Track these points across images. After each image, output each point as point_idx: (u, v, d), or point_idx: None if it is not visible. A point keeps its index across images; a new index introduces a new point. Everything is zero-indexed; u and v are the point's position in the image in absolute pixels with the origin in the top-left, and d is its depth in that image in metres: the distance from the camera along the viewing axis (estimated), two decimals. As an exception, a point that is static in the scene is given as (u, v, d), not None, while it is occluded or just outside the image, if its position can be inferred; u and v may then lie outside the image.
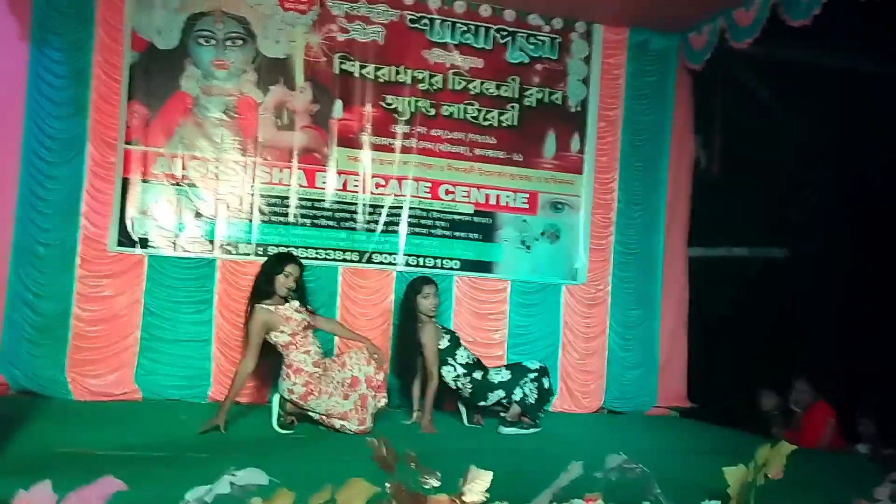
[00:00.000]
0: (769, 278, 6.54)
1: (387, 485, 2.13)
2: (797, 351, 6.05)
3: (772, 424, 5.58)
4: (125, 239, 5.24)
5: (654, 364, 6.25)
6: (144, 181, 5.31)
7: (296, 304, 4.68)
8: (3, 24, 5.06)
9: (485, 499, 2.19)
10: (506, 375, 5.10)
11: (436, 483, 2.20)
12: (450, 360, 5.07)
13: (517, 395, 5.02)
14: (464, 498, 2.17)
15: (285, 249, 5.42)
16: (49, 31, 5.12)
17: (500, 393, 5.05)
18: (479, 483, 2.18)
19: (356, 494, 2.06)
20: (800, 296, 6.33)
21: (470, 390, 5.08)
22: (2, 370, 5.01)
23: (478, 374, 5.09)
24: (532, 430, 4.97)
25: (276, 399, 4.55)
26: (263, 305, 4.58)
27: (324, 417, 4.53)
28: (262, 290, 4.67)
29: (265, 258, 5.06)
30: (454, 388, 5.11)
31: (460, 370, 5.06)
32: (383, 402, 4.68)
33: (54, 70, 5.14)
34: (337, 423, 4.50)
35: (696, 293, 6.41)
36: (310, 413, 4.56)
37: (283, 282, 4.66)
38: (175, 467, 3.34)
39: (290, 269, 4.70)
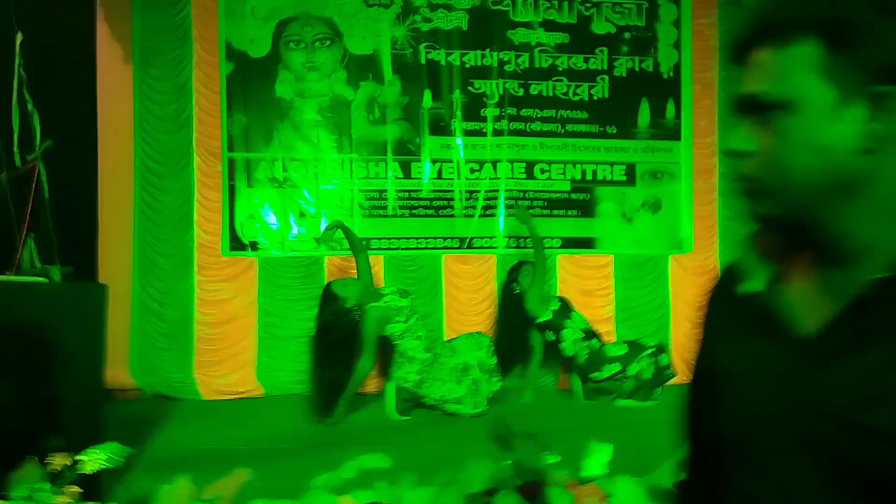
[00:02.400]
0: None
1: (507, 464, 2.16)
2: None
3: None
4: (236, 243, 5.47)
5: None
6: (249, 186, 5.51)
7: (394, 288, 4.77)
8: (108, 49, 5.35)
9: (605, 472, 2.19)
10: (622, 349, 5.05)
11: (555, 460, 2.22)
12: (566, 324, 5.07)
13: (632, 369, 4.97)
14: (584, 473, 2.18)
15: (386, 241, 5.55)
16: (150, 52, 5.38)
17: (616, 367, 5.00)
18: (598, 457, 2.19)
19: (478, 474, 2.10)
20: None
21: (586, 356, 5.04)
22: (135, 377, 5.32)
23: (595, 343, 5.07)
24: (648, 403, 4.92)
25: (391, 387, 4.66)
26: (373, 304, 4.67)
27: (438, 403, 4.61)
28: None
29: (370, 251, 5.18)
30: (571, 353, 5.08)
31: (578, 333, 5.06)
32: (497, 385, 4.72)
33: (157, 88, 5.40)
34: (451, 408, 4.57)
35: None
36: (424, 400, 4.64)
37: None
38: (300, 458, 3.48)
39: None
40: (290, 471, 3.07)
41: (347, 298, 4.57)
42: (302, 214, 5.57)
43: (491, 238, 5.78)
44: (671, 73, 5.97)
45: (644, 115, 5.94)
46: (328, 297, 4.59)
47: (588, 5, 5.86)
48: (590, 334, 5.11)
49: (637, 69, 5.94)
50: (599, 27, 5.88)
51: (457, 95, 5.75)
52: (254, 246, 5.49)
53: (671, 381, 5.07)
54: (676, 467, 2.27)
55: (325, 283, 4.84)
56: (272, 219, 5.53)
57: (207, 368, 5.37)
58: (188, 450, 3.72)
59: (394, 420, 4.54)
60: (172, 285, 5.38)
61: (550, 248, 5.81)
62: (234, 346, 5.43)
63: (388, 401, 4.62)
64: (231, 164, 5.49)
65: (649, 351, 4.98)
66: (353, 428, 4.37)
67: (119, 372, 5.24)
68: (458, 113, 5.75)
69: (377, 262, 5.62)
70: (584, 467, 2.20)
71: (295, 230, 5.55)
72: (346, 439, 3.98)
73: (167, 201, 5.40)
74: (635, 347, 5.03)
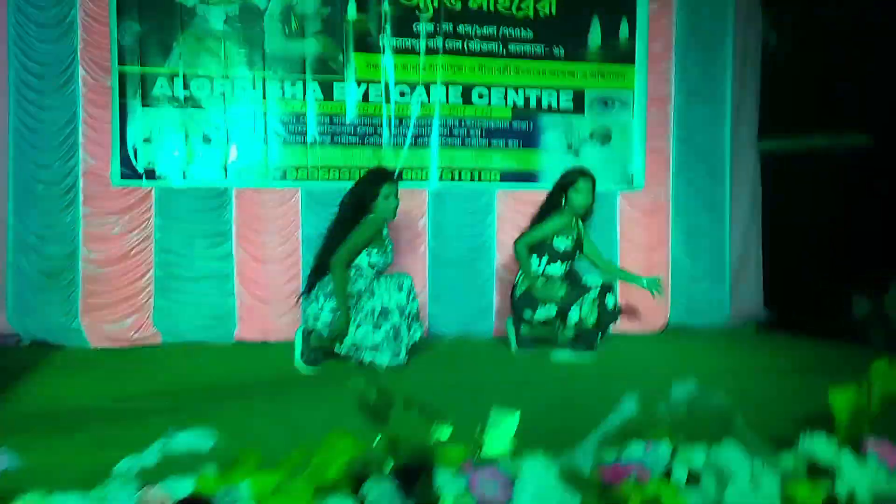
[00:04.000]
0: (854, 168, 5.74)
1: (379, 440, 1.61)
2: (891, 248, 5.31)
3: (868, 334, 4.91)
4: (129, 171, 4.79)
5: (725, 273, 5.61)
6: (145, 105, 4.81)
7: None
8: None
9: (510, 448, 1.66)
10: (560, 290, 4.52)
11: (445, 433, 1.67)
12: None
13: (573, 316, 4.44)
14: (484, 451, 1.64)
15: (304, 171, 4.94)
16: (25, -57, 4.61)
17: (551, 310, 4.48)
18: (501, 430, 1.65)
19: (336, 455, 1.54)
20: (891, 186, 5.54)
21: (523, 291, 4.53)
22: (12, 322, 4.66)
23: (538, 280, 4.55)
24: (587, 357, 4.41)
25: (299, 333, 4.09)
26: (374, 216, 4.13)
27: (352, 350, 4.05)
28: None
29: (288, 182, 4.61)
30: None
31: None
32: (419, 333, 4.18)
33: (35, -12, 4.63)
34: (367, 357, 4.02)
35: (770, 191, 5.70)
36: (337, 348, 4.08)
37: (388, 206, 4.17)
38: (173, 417, 2.91)
39: (388, 188, 4.17)
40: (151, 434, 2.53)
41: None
42: (206, 139, 4.90)
43: (422, 170, 5.18)
44: (626, -11, 5.37)
45: (595, 36, 5.35)
46: None
47: None
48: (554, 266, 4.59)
49: (588, -17, 5.32)
50: (547, -67, 5.24)
51: (385, 7, 5.07)
52: (150, 174, 4.82)
53: (612, 330, 4.58)
54: (601, 442, 1.76)
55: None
56: (172, 144, 4.85)
57: (96, 312, 4.73)
58: (57, 405, 3.18)
59: (298, 372, 3.97)
60: (55, 218, 4.69)
61: (489, 180, 5.26)
62: (126, 287, 4.78)
63: (295, 348, 4.05)
64: (123, 78, 4.77)
65: (593, 295, 4.45)
66: (250, 380, 3.81)
67: (-8, 316, 4.61)
68: (388, 27, 5.09)
69: (294, 194, 5.01)
70: (483, 443, 1.66)
71: (198, 157, 4.89)
72: (237, 395, 3.42)
73: (48, 120, 4.67)
74: (576, 289, 4.49)
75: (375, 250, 4.12)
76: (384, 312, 4.05)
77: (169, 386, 3.63)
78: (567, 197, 4.55)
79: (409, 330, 4.09)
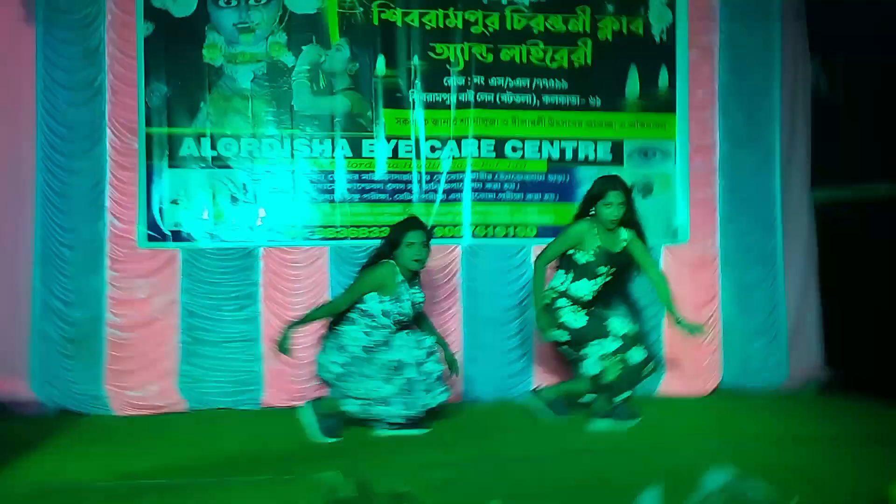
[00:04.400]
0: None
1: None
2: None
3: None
4: (155, 233, 4.70)
5: (783, 330, 5.25)
6: (172, 167, 4.74)
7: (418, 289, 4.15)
8: (4, 7, 4.59)
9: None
10: (577, 319, 4.16)
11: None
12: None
13: (590, 367, 4.12)
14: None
15: (333, 230, 4.81)
16: (56, 10, 4.61)
17: (562, 335, 4.19)
18: None
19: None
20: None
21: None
22: (35, 389, 4.56)
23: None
24: (629, 423, 4.09)
25: (305, 411, 3.92)
26: (391, 262, 4.02)
27: (362, 407, 3.83)
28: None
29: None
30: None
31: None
32: (444, 397, 3.94)
33: (64, 52, 4.62)
34: (376, 411, 3.80)
35: (826, 242, 5.34)
36: (345, 407, 3.87)
37: (409, 254, 4.01)
38: (172, 497, 2.72)
39: (413, 236, 4.02)
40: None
41: None
42: (234, 199, 4.80)
43: (455, 227, 5.00)
44: (664, 37, 5.17)
45: (633, 85, 5.14)
46: None
47: (567, -43, 5.07)
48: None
49: (625, 32, 5.13)
50: (581, -18, 5.09)
51: (415, 62, 4.96)
52: (176, 236, 4.72)
53: (659, 395, 4.26)
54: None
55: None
56: (198, 204, 4.76)
57: (120, 379, 4.60)
58: (55, 481, 3.03)
59: (319, 444, 3.76)
60: (80, 282, 4.60)
61: (525, 236, 5.04)
62: (151, 352, 4.65)
63: (306, 425, 3.85)
64: (150, 140, 4.71)
65: (613, 345, 4.09)
66: (269, 451, 3.61)
67: (15, 383, 4.53)
68: (417, 82, 4.96)
69: (322, 254, 4.86)
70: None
71: (226, 217, 4.78)
72: (252, 467, 3.22)
73: (75, 184, 4.62)
74: (598, 326, 4.15)
75: (388, 298, 3.93)
76: (399, 366, 3.84)
77: (180, 459, 3.46)
78: (596, 210, 4.25)
79: (426, 392, 3.87)
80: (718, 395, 5.09)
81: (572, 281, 4.24)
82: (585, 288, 4.23)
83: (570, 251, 4.25)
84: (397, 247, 3.99)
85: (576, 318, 4.15)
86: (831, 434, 3.91)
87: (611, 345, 4.08)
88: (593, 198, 4.26)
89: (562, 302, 4.21)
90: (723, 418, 4.43)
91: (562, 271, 4.30)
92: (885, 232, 5.27)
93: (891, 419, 4.20)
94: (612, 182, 4.25)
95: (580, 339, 4.14)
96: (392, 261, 3.99)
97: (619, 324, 4.20)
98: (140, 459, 3.46)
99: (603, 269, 4.25)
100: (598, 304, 4.36)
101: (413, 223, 4.11)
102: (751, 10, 5.22)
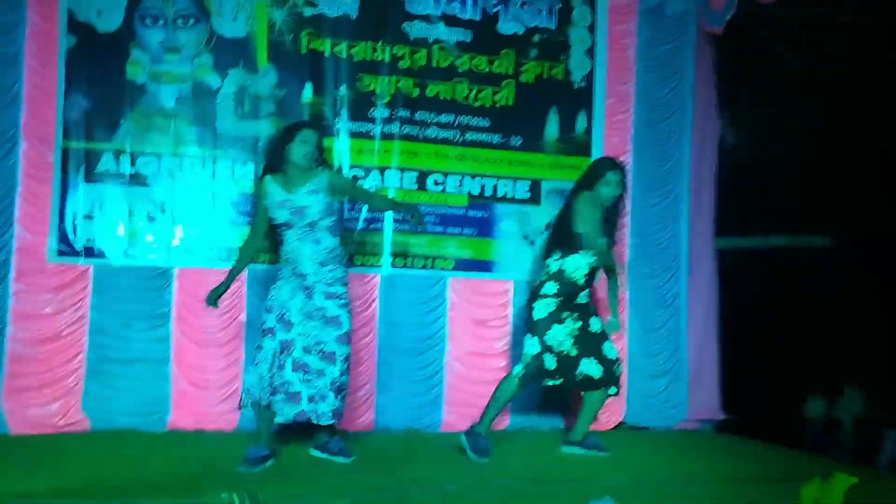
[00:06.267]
0: (811, 269, 5.71)
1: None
2: (846, 352, 5.23)
3: (821, 440, 4.77)
4: (67, 247, 4.61)
5: (683, 371, 5.47)
6: (88, 182, 4.67)
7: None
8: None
9: None
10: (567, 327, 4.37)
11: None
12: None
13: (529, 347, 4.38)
14: None
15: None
16: (-28, 17, 4.53)
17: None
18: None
19: None
20: (848, 289, 5.50)
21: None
22: (-72, 403, 4.40)
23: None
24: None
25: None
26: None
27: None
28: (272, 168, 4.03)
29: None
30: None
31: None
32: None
33: (-21, 60, 4.53)
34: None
35: (728, 289, 5.61)
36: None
37: (300, 149, 3.91)
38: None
39: (306, 135, 3.95)
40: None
41: None
42: (151, 217, 4.75)
43: (375, 256, 5.06)
44: (584, 83, 5.38)
45: (552, 127, 5.33)
46: None
47: (495, 1, 5.23)
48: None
49: (546, 76, 5.32)
50: (506, 27, 5.25)
51: (342, 91, 5.03)
52: (89, 252, 4.64)
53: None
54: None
55: None
56: (113, 221, 4.69)
57: (19, 395, 4.48)
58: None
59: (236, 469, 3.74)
60: (-18, 294, 4.49)
61: (443, 269, 5.14)
62: (55, 368, 4.55)
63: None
64: (66, 153, 4.63)
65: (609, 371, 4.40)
66: (169, 477, 3.57)
67: None
68: (344, 111, 5.04)
69: (239, 276, 4.83)
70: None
71: (141, 236, 4.73)
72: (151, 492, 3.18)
73: (-17, 194, 4.52)
74: (591, 345, 4.42)
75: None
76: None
77: (78, 482, 3.38)
78: (595, 190, 4.37)
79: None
80: (620, 430, 5.26)
81: (562, 256, 4.35)
82: (582, 261, 4.35)
83: (570, 222, 4.35)
84: (290, 142, 3.93)
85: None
86: (726, 473, 4.09)
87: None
88: (593, 178, 4.41)
89: (553, 301, 4.34)
90: (622, 454, 4.58)
91: (558, 251, 4.38)
92: (781, 281, 5.59)
93: (781, 461, 4.42)
94: (611, 162, 4.46)
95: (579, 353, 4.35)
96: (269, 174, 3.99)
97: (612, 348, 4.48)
98: (35, 480, 3.38)
99: (602, 242, 4.35)
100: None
101: (302, 123, 4.15)
102: (666, 65, 5.48)
